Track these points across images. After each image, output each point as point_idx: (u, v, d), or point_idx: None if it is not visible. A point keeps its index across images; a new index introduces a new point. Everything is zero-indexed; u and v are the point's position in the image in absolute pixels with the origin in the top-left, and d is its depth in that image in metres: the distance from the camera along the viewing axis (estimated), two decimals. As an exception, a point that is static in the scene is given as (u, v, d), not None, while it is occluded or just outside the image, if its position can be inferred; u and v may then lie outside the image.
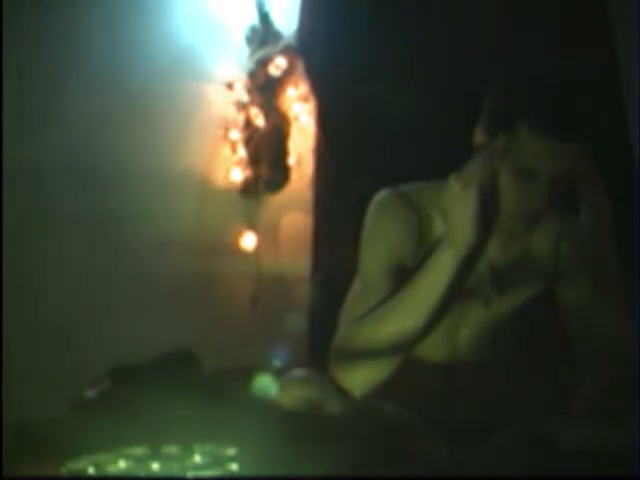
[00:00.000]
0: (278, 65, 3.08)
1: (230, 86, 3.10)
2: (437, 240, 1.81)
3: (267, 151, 3.08)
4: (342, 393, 1.76)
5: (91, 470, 1.34)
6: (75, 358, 2.79)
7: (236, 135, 3.09)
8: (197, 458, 1.37)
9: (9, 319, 2.80)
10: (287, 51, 3.08)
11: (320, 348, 1.92)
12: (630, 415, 1.59)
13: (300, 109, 3.10)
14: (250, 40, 3.11)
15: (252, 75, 3.10)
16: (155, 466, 1.35)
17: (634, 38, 2.63)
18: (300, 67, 3.04)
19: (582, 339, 1.89)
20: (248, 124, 3.08)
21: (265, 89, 3.09)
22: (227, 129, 3.09)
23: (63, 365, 2.78)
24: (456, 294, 1.79)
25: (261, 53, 3.09)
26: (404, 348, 1.78)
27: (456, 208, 1.73)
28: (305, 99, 3.08)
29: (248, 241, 3.08)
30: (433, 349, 1.88)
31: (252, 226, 3.09)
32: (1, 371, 2.72)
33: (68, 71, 2.99)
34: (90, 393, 1.72)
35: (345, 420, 1.64)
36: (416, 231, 1.86)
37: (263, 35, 3.10)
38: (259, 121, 3.08)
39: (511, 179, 1.73)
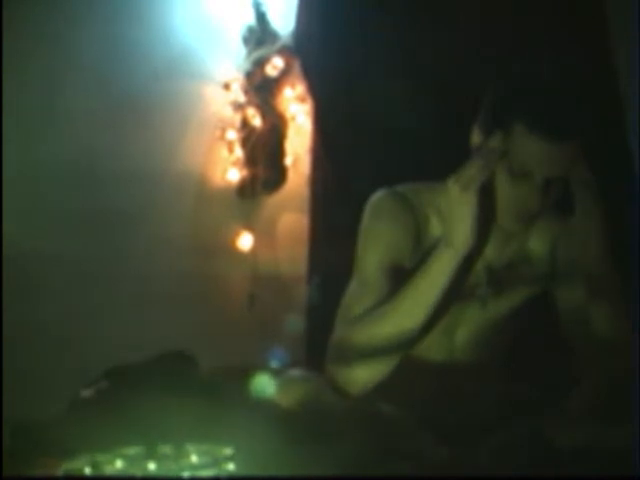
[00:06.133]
0: (275, 65, 3.08)
1: (227, 86, 3.10)
2: (434, 240, 1.81)
3: (264, 151, 3.08)
4: (340, 393, 1.75)
5: (88, 470, 1.34)
6: (74, 358, 2.79)
7: (233, 135, 3.09)
8: (193, 458, 1.37)
9: (9, 319, 2.80)
10: (284, 51, 3.07)
11: (318, 348, 1.92)
12: (629, 415, 1.59)
13: (297, 109, 3.10)
14: (247, 40, 3.11)
15: (249, 75, 3.10)
16: (152, 466, 1.35)
17: (634, 38, 2.63)
18: (297, 67, 3.04)
19: (579, 339, 1.88)
20: (245, 124, 3.08)
21: (262, 89, 3.09)
22: (224, 129, 3.09)
23: (61, 365, 2.78)
24: (454, 295, 1.79)
25: (258, 53, 3.09)
26: (402, 348, 1.78)
27: (455, 210, 1.73)
28: (302, 99, 3.08)
29: (245, 241, 3.08)
30: (431, 349, 1.88)
31: (249, 226, 3.09)
32: (1, 371, 2.72)
33: (66, 71, 3.00)
34: (87, 393, 1.72)
35: (343, 420, 1.64)
36: (413, 231, 1.85)
37: (260, 35, 3.10)
38: (256, 121, 3.07)
39: (507, 179, 1.74)
